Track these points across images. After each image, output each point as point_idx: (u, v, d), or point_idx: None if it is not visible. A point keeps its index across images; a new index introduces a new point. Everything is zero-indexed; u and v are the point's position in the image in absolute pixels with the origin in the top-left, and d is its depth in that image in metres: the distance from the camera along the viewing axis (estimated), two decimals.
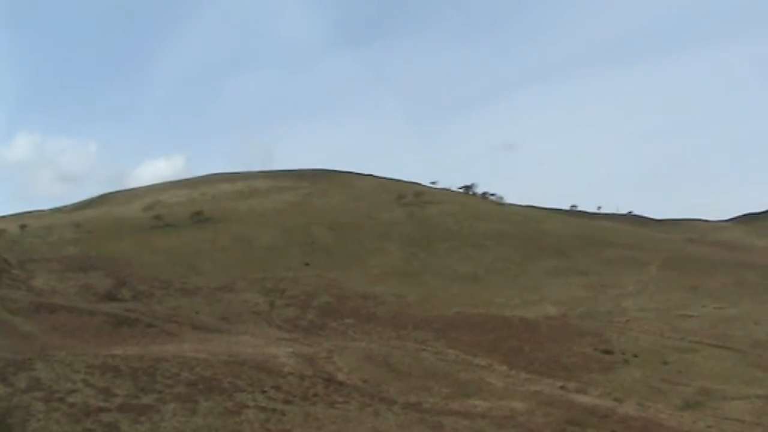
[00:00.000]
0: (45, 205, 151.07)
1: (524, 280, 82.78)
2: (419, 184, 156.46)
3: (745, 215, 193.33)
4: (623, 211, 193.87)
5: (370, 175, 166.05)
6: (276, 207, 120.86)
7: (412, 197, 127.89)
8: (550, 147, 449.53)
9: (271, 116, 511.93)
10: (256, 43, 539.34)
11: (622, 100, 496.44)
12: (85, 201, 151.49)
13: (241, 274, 78.54)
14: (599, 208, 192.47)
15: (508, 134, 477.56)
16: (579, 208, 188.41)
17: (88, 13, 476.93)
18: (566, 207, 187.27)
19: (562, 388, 42.64)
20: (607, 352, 53.70)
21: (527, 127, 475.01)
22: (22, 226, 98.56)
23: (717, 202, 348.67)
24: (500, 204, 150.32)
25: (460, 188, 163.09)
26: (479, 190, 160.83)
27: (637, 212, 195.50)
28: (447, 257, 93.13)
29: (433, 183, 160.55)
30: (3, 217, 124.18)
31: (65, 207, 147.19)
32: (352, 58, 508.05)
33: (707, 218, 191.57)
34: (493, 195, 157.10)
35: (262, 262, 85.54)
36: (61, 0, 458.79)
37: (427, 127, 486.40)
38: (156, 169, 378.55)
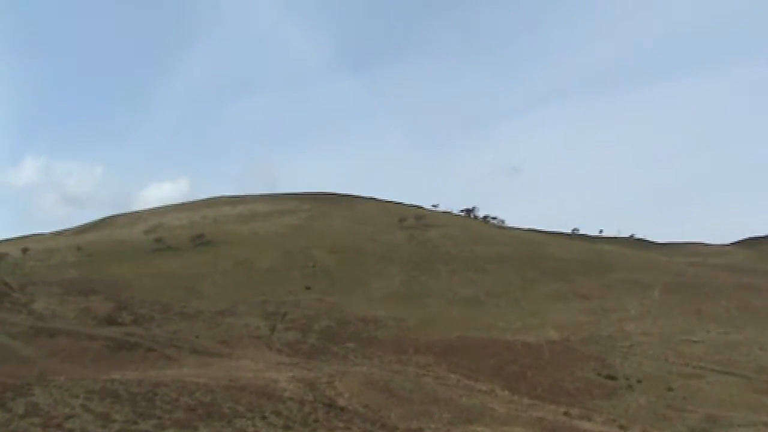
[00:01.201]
0: (50, 228, 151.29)
1: (526, 304, 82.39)
2: (421, 207, 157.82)
3: (748, 239, 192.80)
4: (625, 234, 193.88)
5: (372, 198, 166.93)
6: (277, 230, 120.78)
7: (413, 220, 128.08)
8: (552, 170, 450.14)
9: (276, 139, 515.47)
10: (261, 66, 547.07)
11: (625, 123, 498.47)
12: (87, 224, 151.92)
13: (241, 298, 78.24)
14: (601, 231, 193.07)
15: (513, 157, 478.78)
16: (581, 232, 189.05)
17: (96, 35, 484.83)
18: (568, 230, 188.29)
19: (565, 414, 42.22)
20: (611, 377, 53.27)
21: (530, 150, 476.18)
22: (24, 250, 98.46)
23: (719, 226, 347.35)
24: (501, 227, 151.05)
25: (461, 211, 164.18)
26: (480, 214, 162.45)
27: (639, 236, 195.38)
28: (448, 280, 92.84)
29: (434, 206, 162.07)
30: (6, 240, 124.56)
31: (67, 230, 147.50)
32: (356, 81, 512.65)
33: (710, 242, 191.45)
34: (494, 218, 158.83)
35: (263, 285, 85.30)
36: (69, 22, 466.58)
37: (431, 151, 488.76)
38: (161, 191, 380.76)
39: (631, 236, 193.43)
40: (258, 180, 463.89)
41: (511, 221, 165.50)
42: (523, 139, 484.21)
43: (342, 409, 35.27)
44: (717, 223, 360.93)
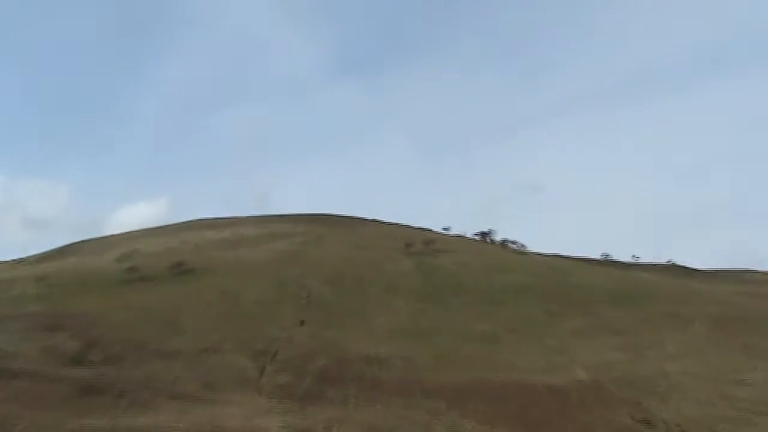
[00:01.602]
0: (9, 256, 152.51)
1: (550, 341, 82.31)
2: (430, 230, 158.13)
3: None
4: (663, 260, 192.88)
5: (375, 220, 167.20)
6: (267, 257, 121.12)
7: (421, 245, 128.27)
8: (578, 187, 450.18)
9: (266, 154, 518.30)
10: (249, 73, 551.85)
11: (662, 134, 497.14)
12: (52, 251, 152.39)
13: (227, 335, 78.37)
14: (636, 257, 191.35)
15: (534, 173, 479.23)
16: (612, 258, 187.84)
17: (62, 42, 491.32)
18: (598, 256, 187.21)
19: None
20: (648, 423, 53.19)
21: (554, 165, 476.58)
22: None
23: None
24: (522, 253, 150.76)
25: (476, 235, 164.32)
26: (498, 237, 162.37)
27: (679, 262, 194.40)
28: (462, 314, 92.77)
29: (445, 229, 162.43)
30: None
31: (29, 257, 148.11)
32: (356, 89, 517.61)
33: (761, 268, 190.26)
34: (514, 243, 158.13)
35: (252, 320, 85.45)
36: (34, 29, 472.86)
37: (441, 166, 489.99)
38: (135, 214, 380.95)
39: (670, 262, 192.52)
40: (246, 200, 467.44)
41: (533, 246, 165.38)
42: (546, 152, 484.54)
43: None
44: None
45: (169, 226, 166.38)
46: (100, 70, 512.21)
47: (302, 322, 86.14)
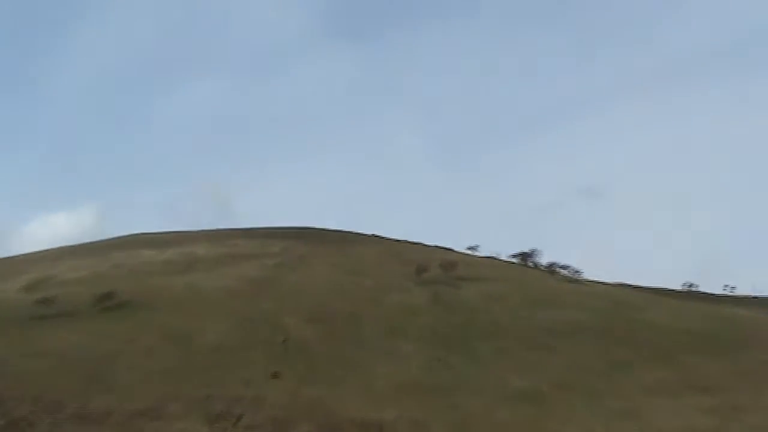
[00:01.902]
0: None
1: (614, 401, 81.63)
2: (450, 250, 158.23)
3: None
4: (766, 293, 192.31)
5: (375, 236, 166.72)
6: (229, 286, 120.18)
7: (438, 271, 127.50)
8: (648, 193, 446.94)
9: (228, 149, 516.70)
10: (205, 41, 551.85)
11: (759, 122, 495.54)
12: None
13: (173, 391, 77.62)
14: (729, 287, 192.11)
15: (589, 174, 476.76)
16: (698, 288, 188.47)
17: None
18: (678, 286, 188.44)
19: None
20: None
21: (615, 164, 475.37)
22: None
23: None
24: (576, 281, 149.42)
25: (513, 257, 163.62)
26: (543, 260, 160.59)
27: None
28: (493, 364, 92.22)
29: (471, 249, 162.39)
30: None
31: None
32: (349, 60, 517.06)
33: None
34: (564, 267, 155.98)
35: (207, 371, 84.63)
36: None
37: (464, 164, 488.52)
38: (51, 227, 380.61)
39: None
40: (200, 209, 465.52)
41: (591, 272, 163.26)
42: (606, 144, 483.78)
43: None
44: None
45: (96, 243, 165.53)
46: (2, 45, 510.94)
47: (276, 375, 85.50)
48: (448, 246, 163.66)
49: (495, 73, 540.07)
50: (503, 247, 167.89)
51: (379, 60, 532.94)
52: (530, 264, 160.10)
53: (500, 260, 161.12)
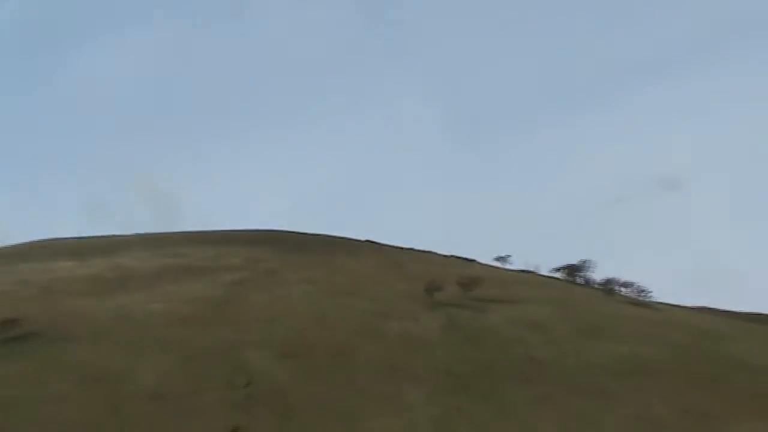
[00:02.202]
0: None
1: None
2: (471, 261, 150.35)
3: None
4: None
5: (370, 242, 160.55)
6: (173, 310, 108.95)
7: (456, 289, 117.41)
8: (745, 185, 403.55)
9: (169, 125, 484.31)
10: None
11: None
12: None
13: None
14: None
15: (663, 160, 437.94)
16: None
17: None
18: None
19: None
20: None
21: (699, 147, 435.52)
22: None
23: None
24: (642, 304, 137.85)
25: (557, 271, 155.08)
26: (598, 276, 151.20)
27: None
28: (529, 416, 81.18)
29: (500, 260, 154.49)
30: None
31: None
32: (341, 13, 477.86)
33: None
34: (628, 286, 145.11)
35: (142, 426, 74.37)
36: None
37: (487, 144, 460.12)
38: None
39: None
40: (134, 207, 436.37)
41: (663, 292, 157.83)
42: (686, 124, 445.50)
43: None
44: None
45: None
46: None
47: (236, 430, 75.89)
48: (468, 256, 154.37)
49: (536, 30, 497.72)
50: (544, 259, 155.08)
51: (379, 6, 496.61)
52: (580, 281, 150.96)
53: (539, 276, 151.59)
